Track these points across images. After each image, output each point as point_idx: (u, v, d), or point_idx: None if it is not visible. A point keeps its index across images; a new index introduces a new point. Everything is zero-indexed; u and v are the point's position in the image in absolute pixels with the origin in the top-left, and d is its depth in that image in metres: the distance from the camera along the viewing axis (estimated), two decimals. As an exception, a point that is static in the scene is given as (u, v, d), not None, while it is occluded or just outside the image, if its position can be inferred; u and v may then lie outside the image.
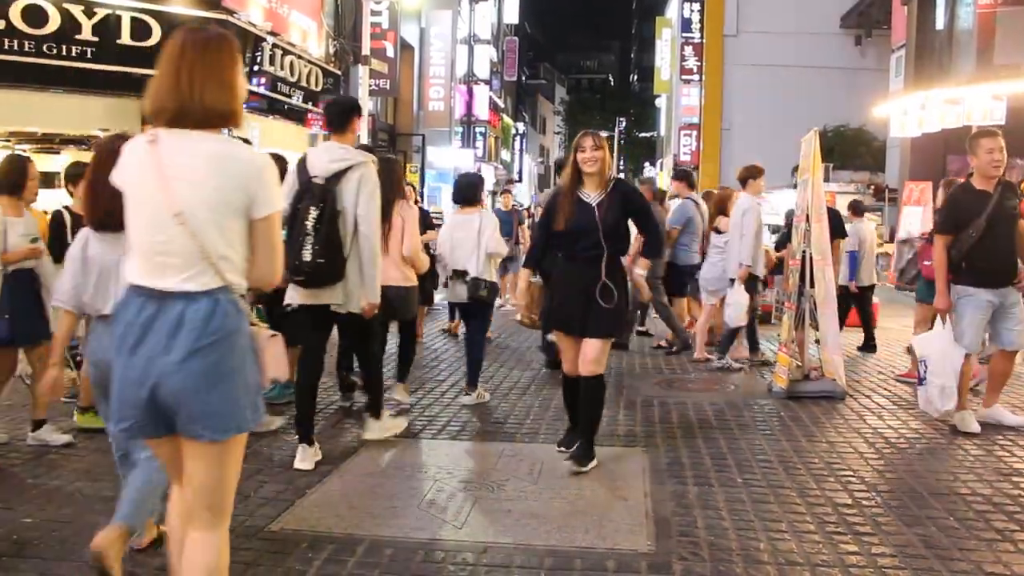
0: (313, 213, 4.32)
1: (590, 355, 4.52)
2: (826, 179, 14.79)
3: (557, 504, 3.97)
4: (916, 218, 11.16)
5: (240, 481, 4.00)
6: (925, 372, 5.45)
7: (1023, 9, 13.98)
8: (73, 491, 4.07)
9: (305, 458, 4.51)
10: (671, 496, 4.10)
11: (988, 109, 12.43)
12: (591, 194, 4.58)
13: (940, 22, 16.81)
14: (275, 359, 2.43)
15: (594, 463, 4.52)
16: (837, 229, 7.14)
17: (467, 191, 6.42)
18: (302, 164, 4.57)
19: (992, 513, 3.94)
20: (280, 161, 5.49)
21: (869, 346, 8.77)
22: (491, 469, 4.52)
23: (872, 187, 19.35)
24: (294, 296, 4.58)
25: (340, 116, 4.68)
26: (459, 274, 6.08)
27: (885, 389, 6.80)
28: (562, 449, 4.76)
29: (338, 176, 4.43)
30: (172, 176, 2.22)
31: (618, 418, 5.66)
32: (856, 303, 9.03)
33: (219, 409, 2.23)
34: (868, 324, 8.95)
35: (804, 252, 6.60)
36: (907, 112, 15.09)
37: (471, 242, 6.05)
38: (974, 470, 4.64)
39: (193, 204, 2.21)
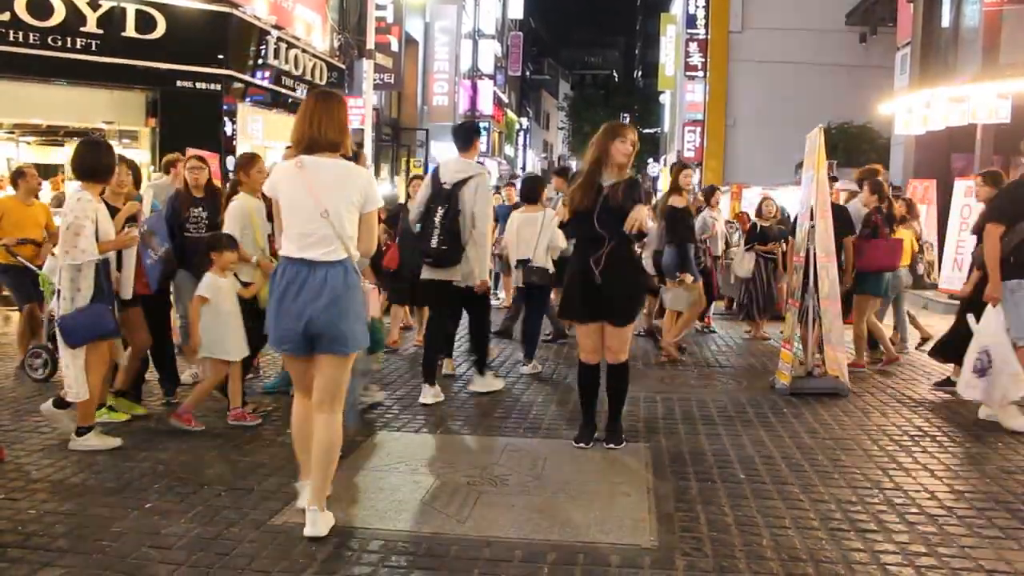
0: (440, 211, 5.60)
1: (614, 347, 4.84)
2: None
3: (560, 499, 3.98)
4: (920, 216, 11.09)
5: (243, 474, 4.08)
6: (988, 362, 5.31)
7: (1029, 7, 13.92)
8: (77, 483, 4.08)
9: (427, 396, 5.79)
10: (674, 492, 4.11)
11: (993, 107, 12.39)
12: (608, 179, 4.73)
13: (946, 20, 16.74)
14: (373, 303, 3.66)
15: (624, 443, 4.86)
16: (845, 226, 7.09)
17: (528, 190, 7.48)
18: (435, 174, 5.82)
19: (995, 511, 3.94)
20: (253, 157, 5.68)
21: None
22: (494, 464, 4.53)
23: (876, 184, 19.26)
24: (427, 273, 5.75)
25: (464, 138, 5.94)
26: (522, 263, 7.05)
27: (888, 386, 6.80)
28: (581, 445, 4.83)
29: (461, 183, 5.65)
30: (317, 187, 3.40)
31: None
32: None
33: (349, 332, 3.46)
34: None
35: (808, 249, 6.58)
36: (912, 110, 15.05)
37: (534, 238, 7.00)
38: (977, 468, 4.64)
39: (332, 205, 3.40)
